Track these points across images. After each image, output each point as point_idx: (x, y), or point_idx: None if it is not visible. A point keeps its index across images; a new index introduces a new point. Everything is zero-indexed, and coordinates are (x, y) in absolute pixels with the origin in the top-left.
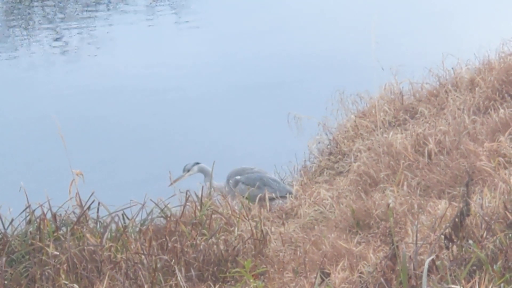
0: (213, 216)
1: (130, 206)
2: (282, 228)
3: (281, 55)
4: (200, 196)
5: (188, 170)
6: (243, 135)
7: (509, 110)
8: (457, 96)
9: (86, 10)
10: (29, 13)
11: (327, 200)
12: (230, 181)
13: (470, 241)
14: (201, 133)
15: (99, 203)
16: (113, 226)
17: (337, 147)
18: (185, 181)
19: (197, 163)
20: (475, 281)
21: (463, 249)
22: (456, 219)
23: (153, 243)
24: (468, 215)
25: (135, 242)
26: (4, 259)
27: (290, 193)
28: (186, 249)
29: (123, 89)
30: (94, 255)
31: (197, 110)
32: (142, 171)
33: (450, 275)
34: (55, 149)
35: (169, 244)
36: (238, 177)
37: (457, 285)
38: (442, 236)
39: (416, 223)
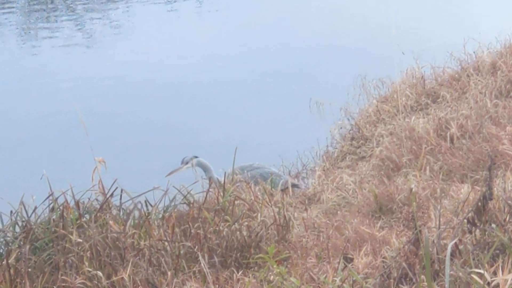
0: (236, 202)
1: (152, 189)
2: (305, 213)
3: (303, 42)
4: (223, 182)
5: (186, 163)
6: (265, 122)
7: None
8: (479, 80)
9: None
10: (51, 2)
11: (350, 185)
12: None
13: (493, 225)
14: (223, 120)
15: (122, 190)
16: (136, 213)
17: (359, 132)
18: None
19: (196, 157)
20: (498, 265)
21: (486, 233)
22: (479, 203)
23: (176, 229)
24: (490, 199)
25: (158, 229)
26: (27, 247)
27: (293, 185)
28: (209, 236)
29: (145, 77)
30: (117, 242)
31: (219, 97)
32: (165, 158)
33: (473, 259)
34: (77, 137)
35: (192, 231)
36: (239, 176)
37: (480, 269)
38: (465, 220)
39: (438, 207)
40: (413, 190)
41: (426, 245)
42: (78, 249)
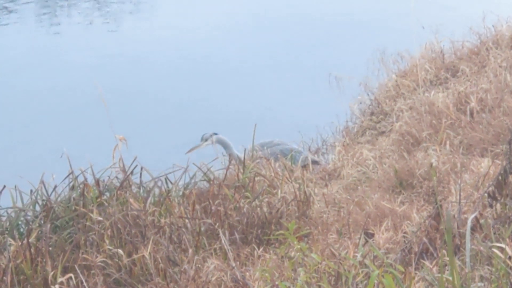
0: (256, 178)
1: (173, 171)
2: (325, 189)
3: (321, 15)
4: (243, 158)
5: (206, 140)
6: (284, 97)
7: None
8: (498, 54)
9: None
10: None
11: (370, 160)
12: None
13: None
14: (242, 96)
15: (142, 168)
16: (156, 190)
17: (378, 107)
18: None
19: (215, 134)
20: None
21: (507, 207)
22: (499, 177)
23: (197, 206)
24: (511, 173)
25: (178, 206)
26: (48, 225)
27: (313, 162)
28: (229, 212)
29: (163, 53)
30: (137, 220)
31: (237, 73)
32: (184, 135)
33: (494, 233)
34: (98, 115)
35: (213, 208)
36: (260, 153)
37: (501, 243)
38: (486, 195)
39: (459, 182)
40: (433, 164)
41: (447, 220)
42: (98, 227)
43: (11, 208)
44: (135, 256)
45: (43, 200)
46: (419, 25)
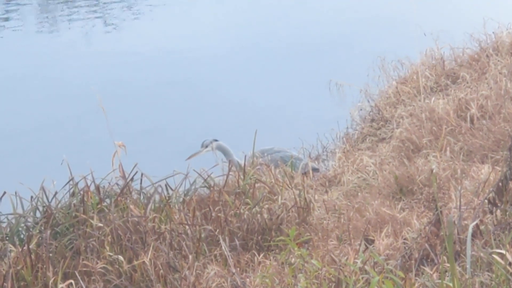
0: (256, 185)
1: (173, 175)
2: (325, 195)
3: (322, 22)
4: (243, 165)
5: (206, 146)
6: (285, 104)
7: None
8: (498, 61)
9: None
10: None
11: (370, 167)
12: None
13: None
14: (242, 102)
15: (142, 174)
16: (157, 197)
17: (379, 114)
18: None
19: (216, 140)
20: None
21: (507, 213)
22: (500, 184)
23: (197, 213)
24: (511, 179)
25: (178, 212)
26: (48, 232)
27: (313, 169)
28: (230, 219)
29: (164, 59)
30: (138, 226)
31: (238, 79)
32: (184, 141)
33: (495, 239)
34: (97, 121)
35: (213, 214)
36: (260, 160)
37: (501, 249)
38: (486, 201)
39: (459, 188)
40: (434, 171)
41: (448, 226)
42: (99, 233)
43: (11, 214)
44: (135, 263)
45: (43, 206)
46: (420, 32)
